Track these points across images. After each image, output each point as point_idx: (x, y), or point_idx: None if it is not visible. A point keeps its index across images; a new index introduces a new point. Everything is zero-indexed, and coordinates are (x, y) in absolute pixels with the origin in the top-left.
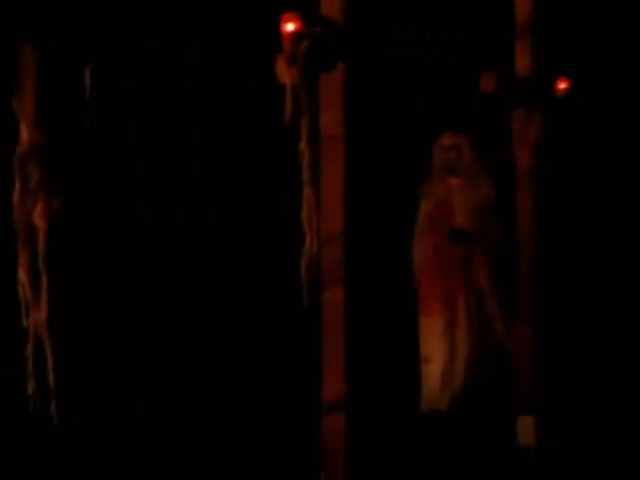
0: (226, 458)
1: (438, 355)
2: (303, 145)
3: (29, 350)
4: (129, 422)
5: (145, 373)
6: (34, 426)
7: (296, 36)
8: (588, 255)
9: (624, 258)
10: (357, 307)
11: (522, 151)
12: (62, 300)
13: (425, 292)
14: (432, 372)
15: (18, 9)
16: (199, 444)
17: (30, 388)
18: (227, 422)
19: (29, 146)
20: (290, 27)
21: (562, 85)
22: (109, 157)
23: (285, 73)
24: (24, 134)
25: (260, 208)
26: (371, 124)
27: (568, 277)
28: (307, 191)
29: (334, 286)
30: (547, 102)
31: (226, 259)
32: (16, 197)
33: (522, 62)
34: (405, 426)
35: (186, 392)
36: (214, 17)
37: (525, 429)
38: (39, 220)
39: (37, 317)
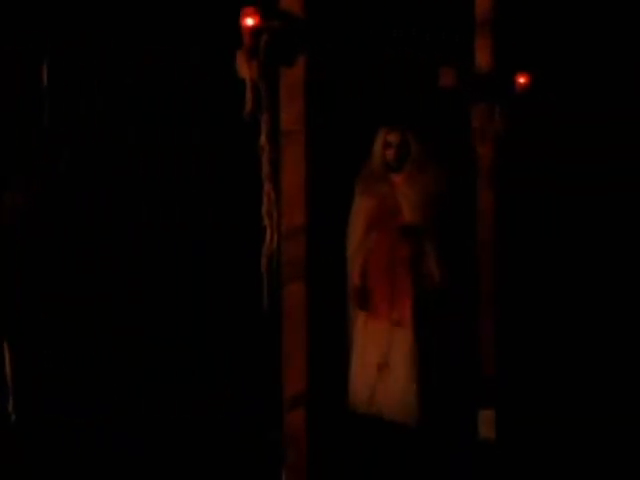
0: (187, 455)
1: (391, 360)
2: (263, 140)
3: None
4: (88, 419)
5: (105, 371)
6: None
7: (255, 30)
8: (549, 250)
9: (585, 252)
10: (318, 303)
11: (483, 147)
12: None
13: (371, 293)
14: (386, 379)
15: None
16: (160, 439)
17: None
18: (188, 419)
19: None
20: (249, 21)
21: (522, 80)
22: (73, 153)
23: (245, 68)
24: None
25: (220, 203)
26: (331, 119)
27: (529, 272)
28: (267, 186)
29: (295, 282)
30: (507, 97)
31: (186, 254)
32: None
33: (482, 57)
34: (366, 421)
35: (148, 389)
36: (172, 13)
37: (486, 423)
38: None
39: None
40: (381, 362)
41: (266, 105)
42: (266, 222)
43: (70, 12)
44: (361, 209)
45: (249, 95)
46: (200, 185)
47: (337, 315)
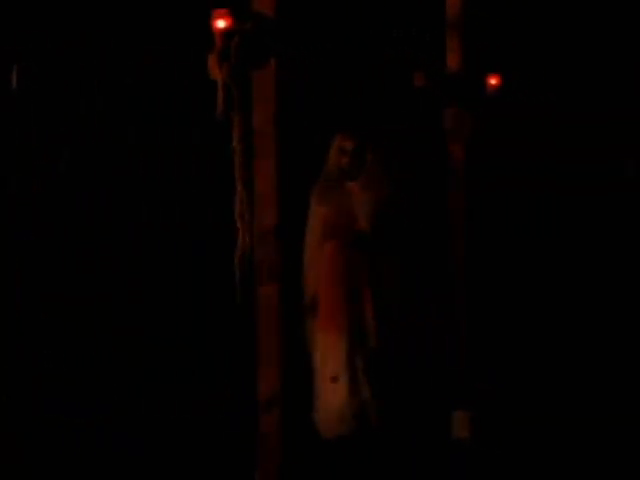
0: (161, 455)
1: (346, 373)
2: (235, 142)
3: None
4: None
5: (73, 369)
6: None
7: (227, 33)
8: (519, 250)
9: (556, 251)
10: (291, 304)
11: (454, 148)
12: None
13: (326, 304)
14: (339, 393)
15: None
16: (133, 440)
17: None
18: (162, 419)
19: None
20: (221, 24)
21: (493, 81)
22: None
23: (216, 70)
24: None
25: (193, 205)
26: (303, 120)
27: (500, 273)
28: (239, 188)
29: (268, 283)
30: (478, 98)
31: (159, 256)
32: None
33: (452, 59)
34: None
35: (121, 388)
36: (144, 14)
37: (459, 423)
38: None
39: None
40: (334, 375)
41: (238, 107)
42: (238, 223)
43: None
44: (317, 217)
45: (220, 97)
46: (172, 187)
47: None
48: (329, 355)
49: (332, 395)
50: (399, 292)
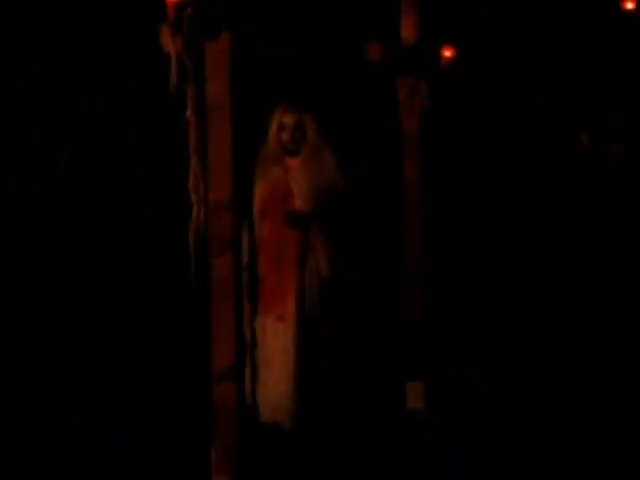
0: (116, 431)
1: (275, 357)
2: (189, 114)
3: None
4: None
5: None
6: None
7: (179, 4)
8: (476, 223)
9: (511, 227)
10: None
11: (409, 120)
12: None
13: (261, 286)
14: (273, 378)
15: None
16: (89, 415)
17: None
18: (116, 392)
19: None
20: None
21: (447, 53)
22: None
23: (169, 42)
24: None
25: (146, 177)
26: (257, 92)
27: (457, 246)
28: (194, 160)
29: (222, 255)
30: (433, 70)
31: (113, 229)
32: None
33: (407, 31)
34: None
35: (74, 363)
36: None
37: (414, 394)
38: None
39: None
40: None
41: (191, 79)
42: (193, 196)
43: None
44: (256, 194)
45: (174, 69)
46: (126, 161)
47: None
48: (263, 337)
49: (267, 379)
50: (341, 271)
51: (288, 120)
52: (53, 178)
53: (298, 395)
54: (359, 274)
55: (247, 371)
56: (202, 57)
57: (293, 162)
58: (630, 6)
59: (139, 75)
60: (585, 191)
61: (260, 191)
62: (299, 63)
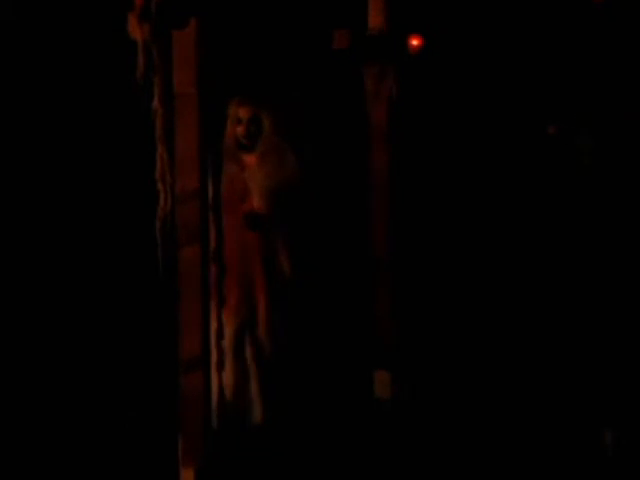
0: (85, 421)
1: (231, 360)
2: (156, 103)
3: None
4: None
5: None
6: None
7: None
8: (444, 213)
9: (479, 217)
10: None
11: (376, 109)
12: None
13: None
14: (226, 382)
15: None
16: (56, 406)
17: None
18: (82, 382)
19: None
20: None
21: (415, 42)
22: None
23: (136, 30)
24: None
25: (113, 166)
26: (224, 81)
27: (425, 236)
28: (160, 149)
29: (190, 245)
30: (400, 59)
31: (79, 218)
32: None
33: (375, 19)
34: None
35: (39, 354)
36: None
37: (381, 383)
38: None
39: None
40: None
41: (158, 68)
42: (160, 186)
43: None
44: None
45: (141, 58)
46: (92, 150)
47: None
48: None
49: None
50: (290, 279)
51: (243, 114)
52: (19, 168)
53: (262, 389)
54: (324, 270)
55: (213, 361)
56: (169, 46)
57: (249, 159)
58: None
59: (105, 63)
60: (552, 182)
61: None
62: (264, 51)
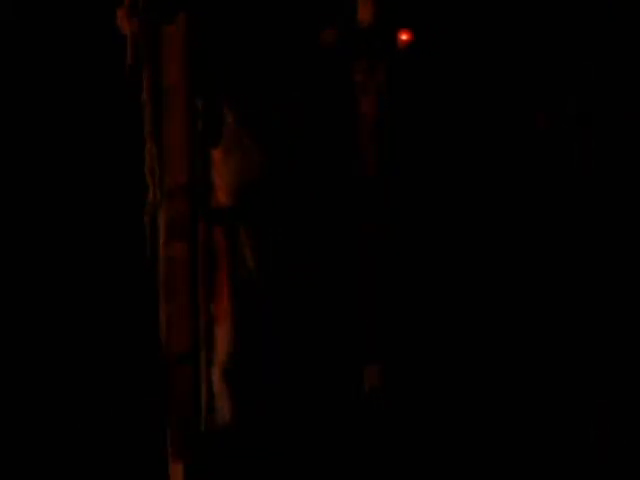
0: (70, 419)
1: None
2: (144, 97)
3: None
4: None
5: None
6: None
7: None
8: (433, 205)
9: (468, 209)
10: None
11: (365, 103)
12: None
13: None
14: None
15: None
16: (42, 402)
17: None
18: (67, 377)
19: None
20: None
21: (404, 36)
22: None
23: (126, 24)
24: None
25: (101, 160)
26: (214, 76)
27: (412, 229)
28: (149, 143)
29: (178, 240)
30: (390, 53)
31: (66, 211)
32: None
33: (364, 13)
34: (251, 376)
35: (22, 348)
36: None
37: (371, 376)
38: None
39: None
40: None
41: (147, 61)
42: (148, 180)
43: None
44: None
45: (130, 52)
46: (81, 144)
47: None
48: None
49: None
50: (256, 277)
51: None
52: (5, 160)
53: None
54: (299, 267)
55: (202, 356)
56: (158, 39)
57: (215, 154)
58: None
59: (94, 57)
60: (540, 172)
61: None
62: (253, 46)
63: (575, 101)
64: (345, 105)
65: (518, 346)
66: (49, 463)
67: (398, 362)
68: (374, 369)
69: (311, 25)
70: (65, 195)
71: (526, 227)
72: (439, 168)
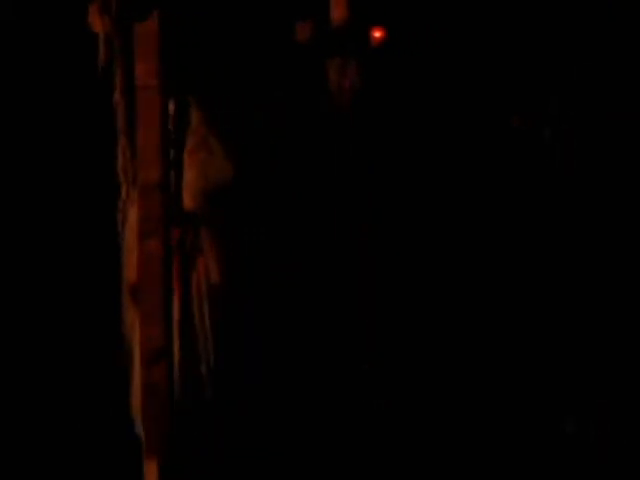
0: (46, 415)
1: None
2: (117, 95)
3: None
4: None
5: None
6: None
7: None
8: (414, 204)
9: (444, 210)
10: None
11: (338, 101)
12: None
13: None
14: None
15: None
16: (16, 399)
17: None
18: (40, 373)
19: None
20: None
21: (377, 34)
22: None
23: (98, 22)
24: None
25: (74, 159)
26: (186, 74)
27: (396, 228)
28: (122, 141)
29: (151, 238)
30: (363, 51)
31: (40, 210)
32: None
33: (337, 11)
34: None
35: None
36: None
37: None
38: None
39: None
40: None
41: (120, 60)
42: (121, 178)
43: None
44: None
45: (102, 50)
46: (53, 143)
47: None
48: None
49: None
50: (216, 285)
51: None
52: None
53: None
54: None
55: (176, 353)
56: (131, 38)
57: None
58: None
59: (66, 55)
60: (515, 174)
61: None
62: (229, 42)
63: (557, 101)
64: (319, 103)
65: (517, 346)
66: (21, 463)
67: (395, 362)
68: (367, 369)
69: (285, 24)
70: (37, 192)
71: (511, 225)
72: (414, 165)
